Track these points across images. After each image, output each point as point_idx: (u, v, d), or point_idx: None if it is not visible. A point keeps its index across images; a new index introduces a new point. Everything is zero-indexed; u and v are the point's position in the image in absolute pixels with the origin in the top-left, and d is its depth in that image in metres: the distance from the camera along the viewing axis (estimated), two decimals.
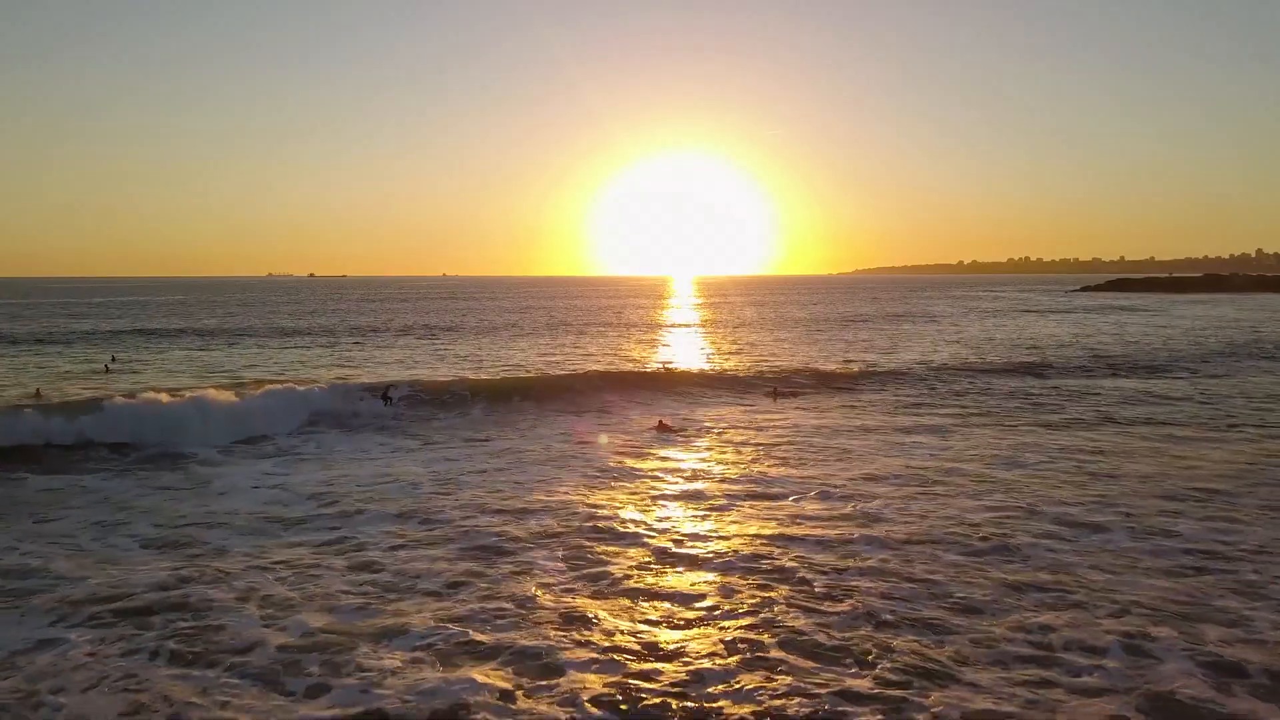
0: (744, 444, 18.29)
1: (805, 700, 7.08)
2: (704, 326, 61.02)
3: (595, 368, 32.23)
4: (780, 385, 27.22)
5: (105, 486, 14.66)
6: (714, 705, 7.05)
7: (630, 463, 16.43)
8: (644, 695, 7.19)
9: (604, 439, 19.46)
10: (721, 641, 8.16)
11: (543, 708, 7.02)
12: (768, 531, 11.74)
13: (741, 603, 9.14)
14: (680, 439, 19.04)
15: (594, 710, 6.98)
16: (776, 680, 7.41)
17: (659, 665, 7.72)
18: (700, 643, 8.17)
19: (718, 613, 8.90)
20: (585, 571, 10.20)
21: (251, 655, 7.96)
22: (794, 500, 13.46)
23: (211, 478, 15.34)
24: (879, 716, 6.84)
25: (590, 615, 8.82)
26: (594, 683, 7.40)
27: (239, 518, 12.56)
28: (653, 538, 11.51)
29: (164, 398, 20.45)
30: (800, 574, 9.97)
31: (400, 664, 7.75)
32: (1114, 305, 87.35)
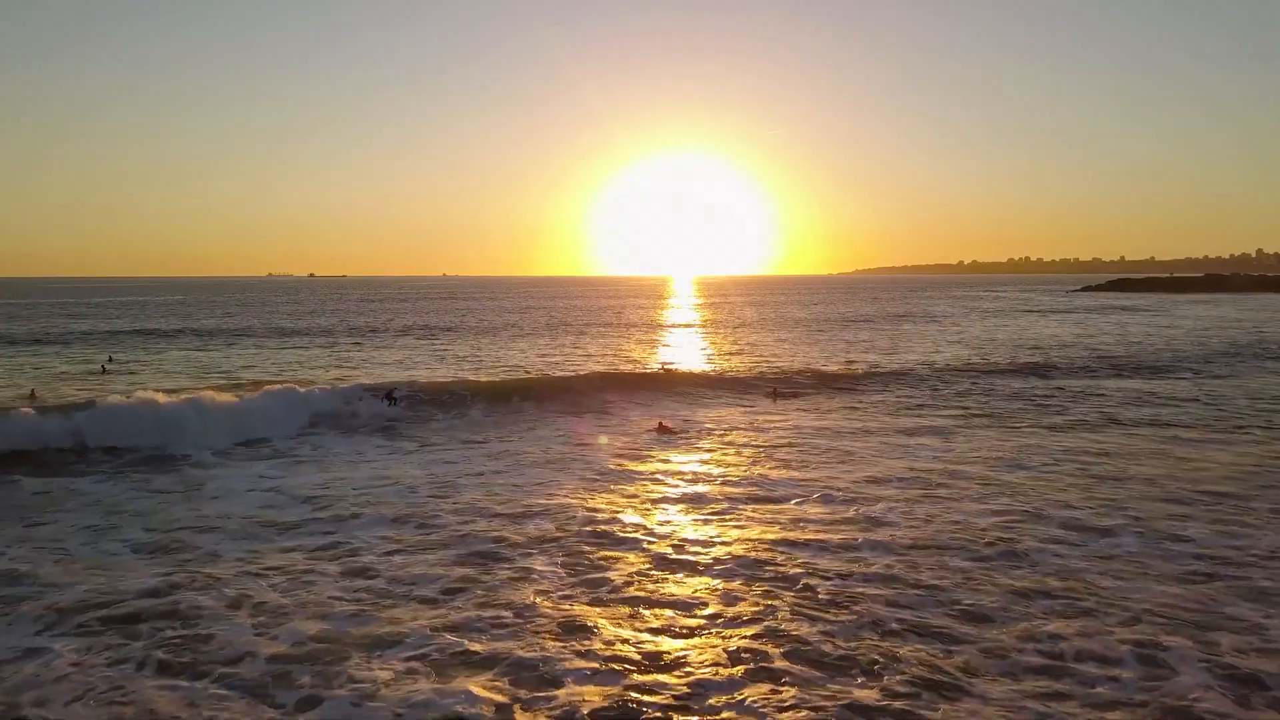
0: (745, 446, 18.08)
1: (812, 713, 6.87)
2: (704, 327, 60.83)
3: (595, 368, 32.03)
4: (781, 386, 27.02)
5: (98, 490, 14.45)
6: (717, 719, 6.84)
7: (630, 465, 16.23)
8: (645, 709, 6.98)
9: (604, 440, 19.26)
10: (725, 651, 7.95)
11: None
12: (770, 536, 11.54)
13: (744, 611, 8.93)
14: (680, 440, 18.84)
15: None
16: (782, 692, 7.20)
17: (660, 676, 7.51)
18: (703, 652, 7.95)
19: (720, 621, 8.69)
20: (584, 577, 9.99)
21: (241, 665, 7.75)
22: (796, 504, 13.25)
23: (205, 480, 15.12)
24: None
25: (589, 623, 8.61)
26: (594, 695, 7.19)
27: (232, 522, 12.34)
28: (653, 543, 11.30)
29: (160, 399, 20.22)
30: (804, 580, 9.76)
31: (394, 675, 7.55)
32: (1115, 305, 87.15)
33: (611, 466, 16.12)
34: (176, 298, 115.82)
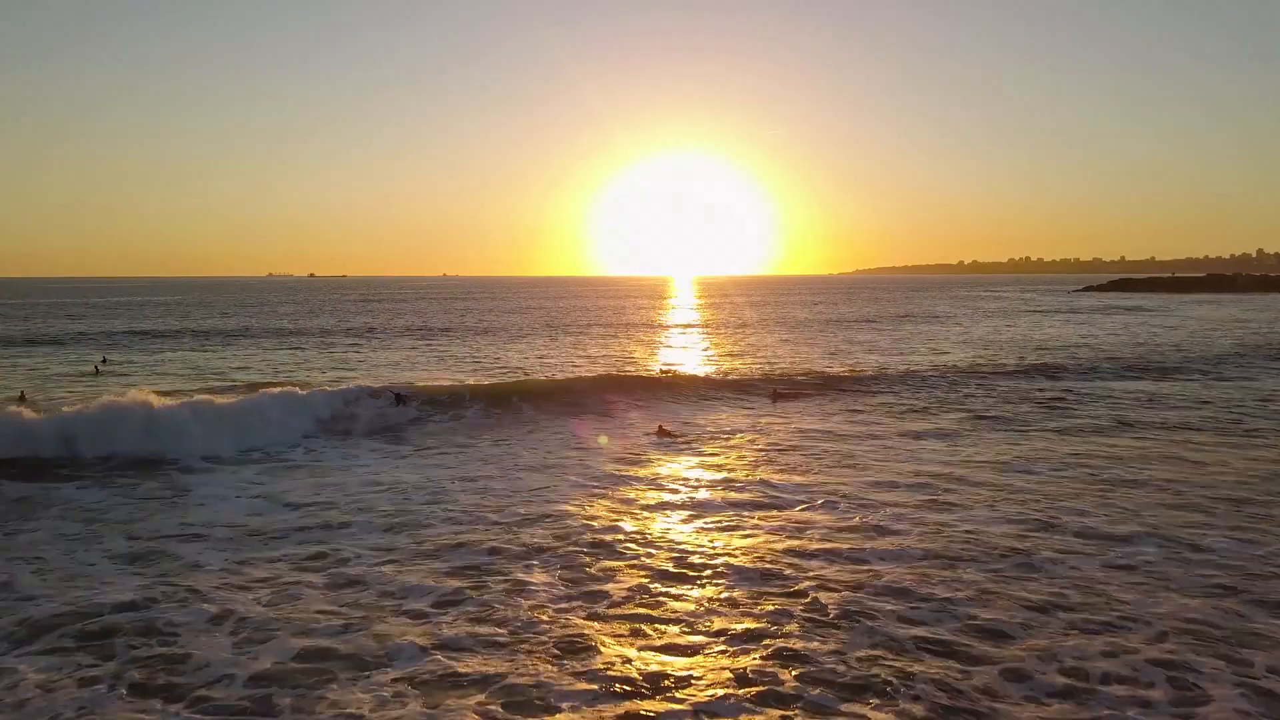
0: (747, 450, 17.67)
1: None
2: (704, 327, 60.40)
3: (595, 370, 31.62)
4: (783, 388, 26.59)
5: (81, 496, 14.02)
6: None
7: (630, 470, 15.80)
8: None
9: (603, 442, 18.85)
10: (731, 672, 7.51)
11: None
12: (775, 545, 11.11)
13: (751, 627, 8.50)
14: (681, 444, 18.41)
15: None
16: (795, 719, 6.77)
17: (664, 701, 7.07)
18: (709, 674, 7.51)
19: (726, 638, 8.25)
20: (583, 590, 9.56)
21: (218, 688, 7.32)
22: (801, 510, 12.83)
23: (193, 486, 14.69)
24: None
25: (588, 642, 8.17)
26: None
27: (217, 530, 11.91)
28: (654, 553, 10.87)
29: (151, 401, 19.75)
30: (812, 594, 9.33)
31: (381, 698, 7.12)
32: (1119, 305, 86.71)
33: (611, 471, 15.69)
34: (175, 298, 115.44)
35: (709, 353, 40.31)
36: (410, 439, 19.36)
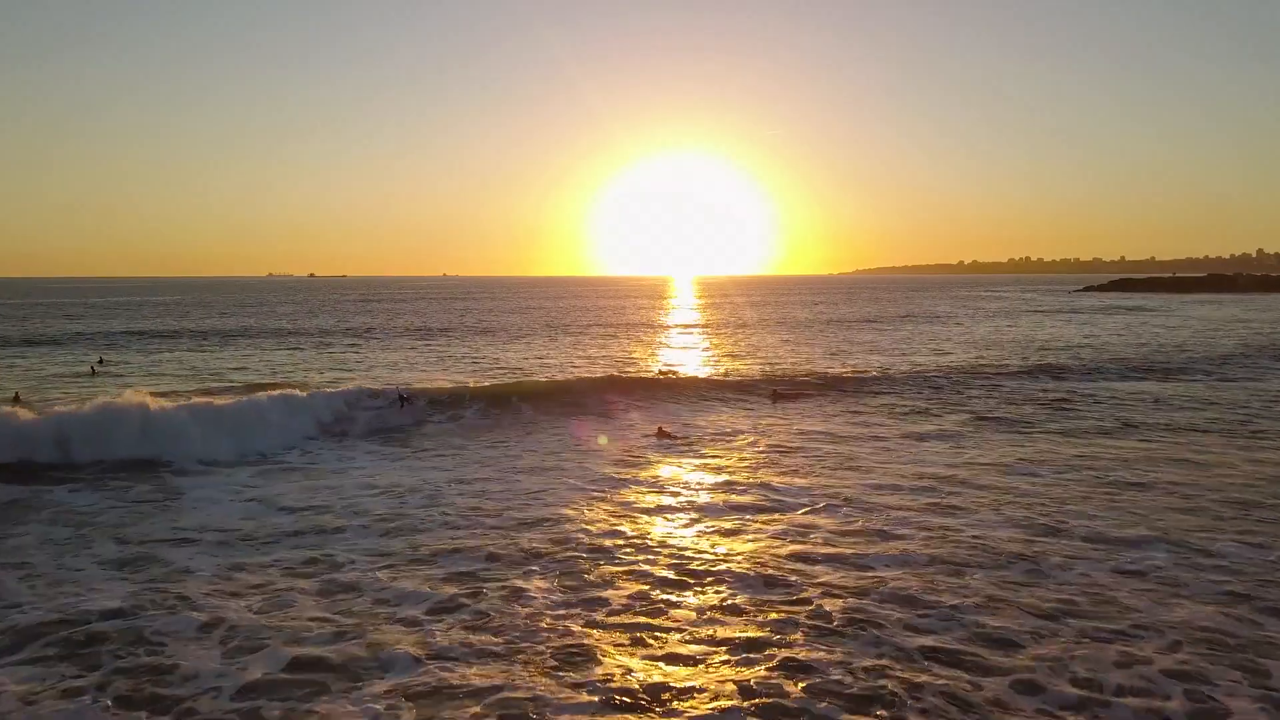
0: (748, 452, 17.45)
1: None
2: (704, 328, 60.17)
3: (594, 371, 31.41)
4: (783, 388, 26.37)
5: (73, 499, 13.80)
6: None
7: (629, 473, 15.57)
8: None
9: (603, 442, 18.64)
10: (735, 684, 7.28)
11: None
12: (778, 550, 10.90)
13: (755, 636, 8.28)
14: (681, 446, 18.19)
15: None
16: None
17: (666, 715, 6.85)
18: (712, 685, 7.29)
19: (729, 648, 8.03)
20: (582, 597, 9.34)
21: (205, 700, 7.10)
22: (803, 514, 12.62)
23: (186, 489, 14.46)
24: None
25: (587, 652, 7.95)
26: None
27: (209, 534, 11.69)
28: (654, 558, 10.66)
29: (146, 402, 19.52)
30: (817, 601, 9.11)
31: (372, 711, 6.90)
32: (1120, 306, 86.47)
33: (609, 474, 15.47)
34: (174, 298, 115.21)
35: (709, 353, 40.09)
36: (408, 441, 19.14)
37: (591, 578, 9.95)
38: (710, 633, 8.38)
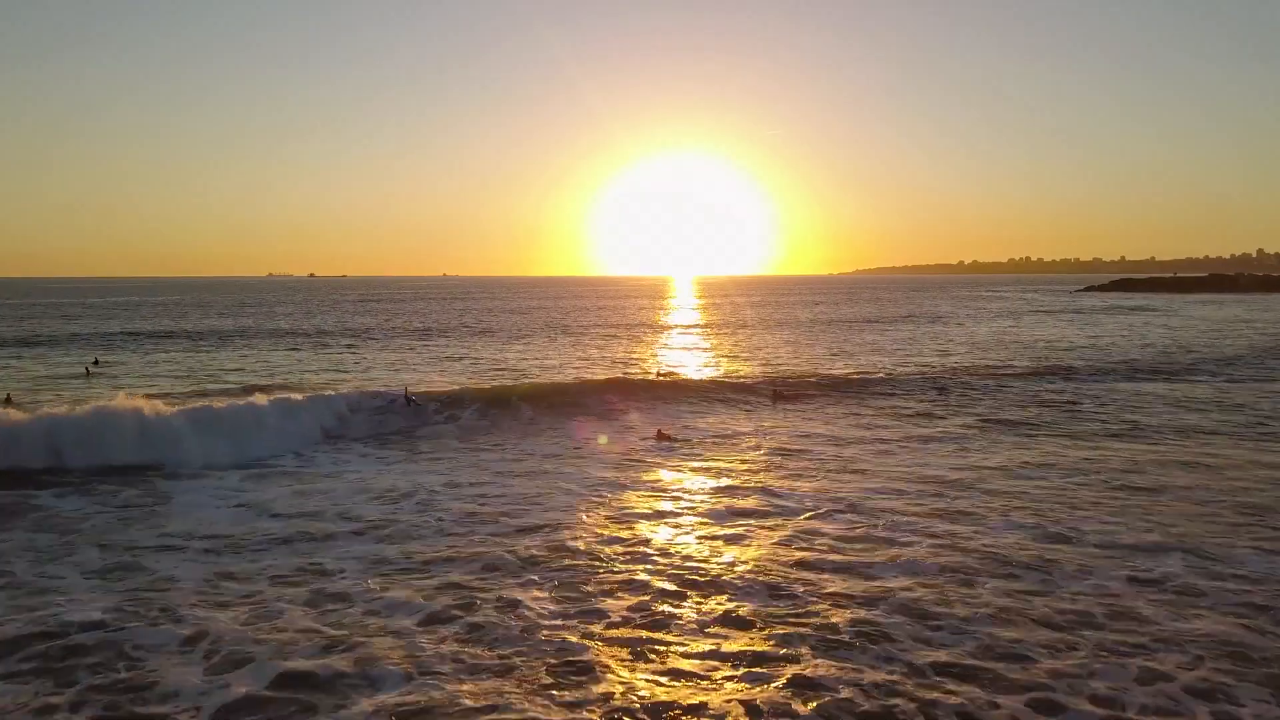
0: (749, 455, 17.13)
1: None
2: (705, 328, 59.85)
3: (594, 372, 31.10)
4: (785, 390, 26.04)
5: (59, 504, 13.47)
6: None
7: (629, 477, 15.25)
8: None
9: (603, 442, 18.32)
10: (742, 704, 6.94)
11: None
12: (783, 557, 10.57)
13: (762, 649, 7.96)
14: (681, 449, 17.87)
15: None
16: None
17: None
18: (718, 704, 6.95)
19: (734, 663, 7.70)
20: (580, 608, 9.01)
21: (184, 719, 6.78)
22: (807, 519, 12.29)
23: (174, 494, 14.12)
24: None
25: (585, 668, 7.62)
26: None
27: (196, 542, 11.36)
28: (655, 567, 10.33)
29: (138, 405, 19.17)
30: (824, 613, 8.78)
31: None
32: (1122, 306, 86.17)
33: (608, 479, 15.14)
34: (174, 298, 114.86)
35: (709, 354, 39.77)
36: (404, 444, 18.81)
37: (590, 588, 9.63)
38: (714, 646, 8.06)
